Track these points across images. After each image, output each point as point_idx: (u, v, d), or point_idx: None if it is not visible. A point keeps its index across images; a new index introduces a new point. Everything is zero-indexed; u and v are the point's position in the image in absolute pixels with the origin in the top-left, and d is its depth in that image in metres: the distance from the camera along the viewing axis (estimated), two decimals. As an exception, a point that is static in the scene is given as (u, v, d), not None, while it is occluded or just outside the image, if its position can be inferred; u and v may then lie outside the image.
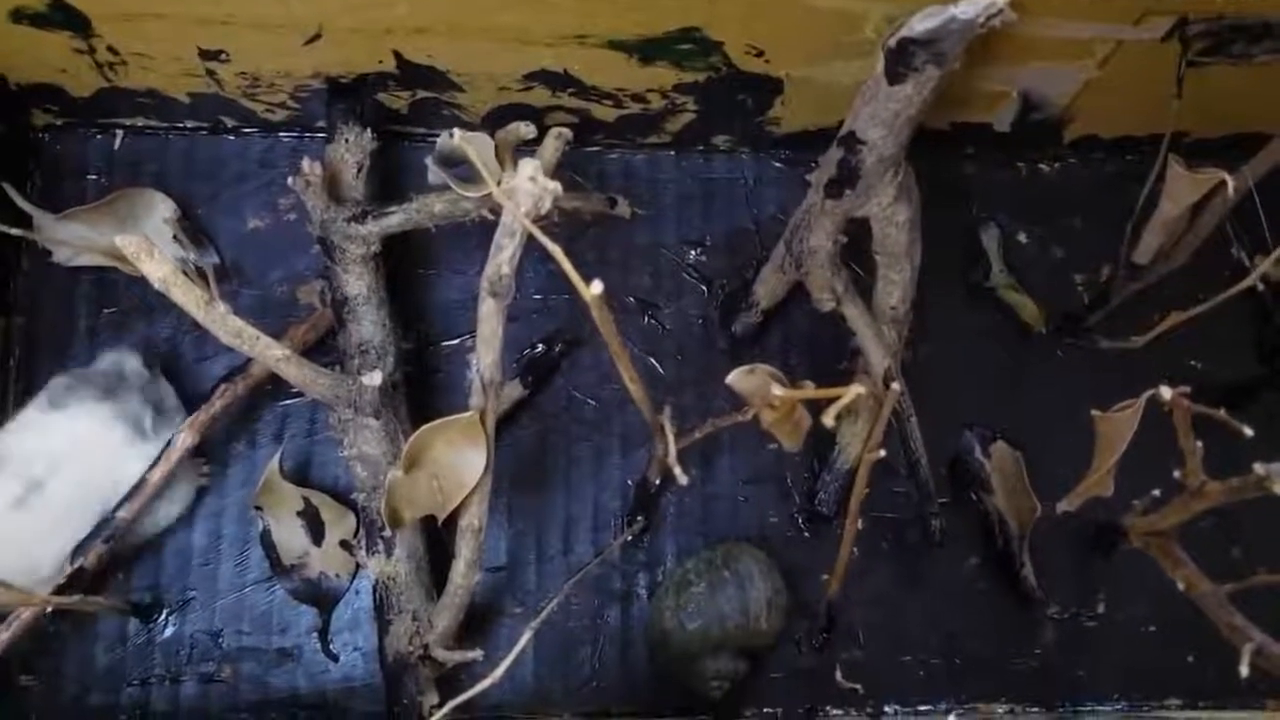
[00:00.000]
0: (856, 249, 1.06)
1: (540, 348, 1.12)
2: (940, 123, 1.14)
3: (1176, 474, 0.89)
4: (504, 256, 0.84)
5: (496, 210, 0.97)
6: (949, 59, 0.86)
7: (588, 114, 1.11)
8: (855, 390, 0.80)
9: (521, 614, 1.08)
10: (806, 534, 1.12)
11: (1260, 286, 0.93)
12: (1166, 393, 0.77)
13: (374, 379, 0.94)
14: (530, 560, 1.10)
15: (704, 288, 1.17)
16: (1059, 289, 1.19)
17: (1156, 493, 0.96)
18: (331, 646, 1.07)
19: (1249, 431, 0.77)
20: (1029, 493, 1.09)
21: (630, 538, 1.09)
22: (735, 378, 0.88)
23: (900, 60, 0.87)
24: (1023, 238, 1.20)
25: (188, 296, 0.84)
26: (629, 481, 1.11)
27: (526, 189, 0.83)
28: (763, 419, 0.90)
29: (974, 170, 1.21)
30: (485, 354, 0.87)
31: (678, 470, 0.83)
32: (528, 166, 0.83)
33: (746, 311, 1.12)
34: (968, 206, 1.20)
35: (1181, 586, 0.91)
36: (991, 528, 1.11)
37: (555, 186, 0.85)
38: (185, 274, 0.87)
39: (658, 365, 1.14)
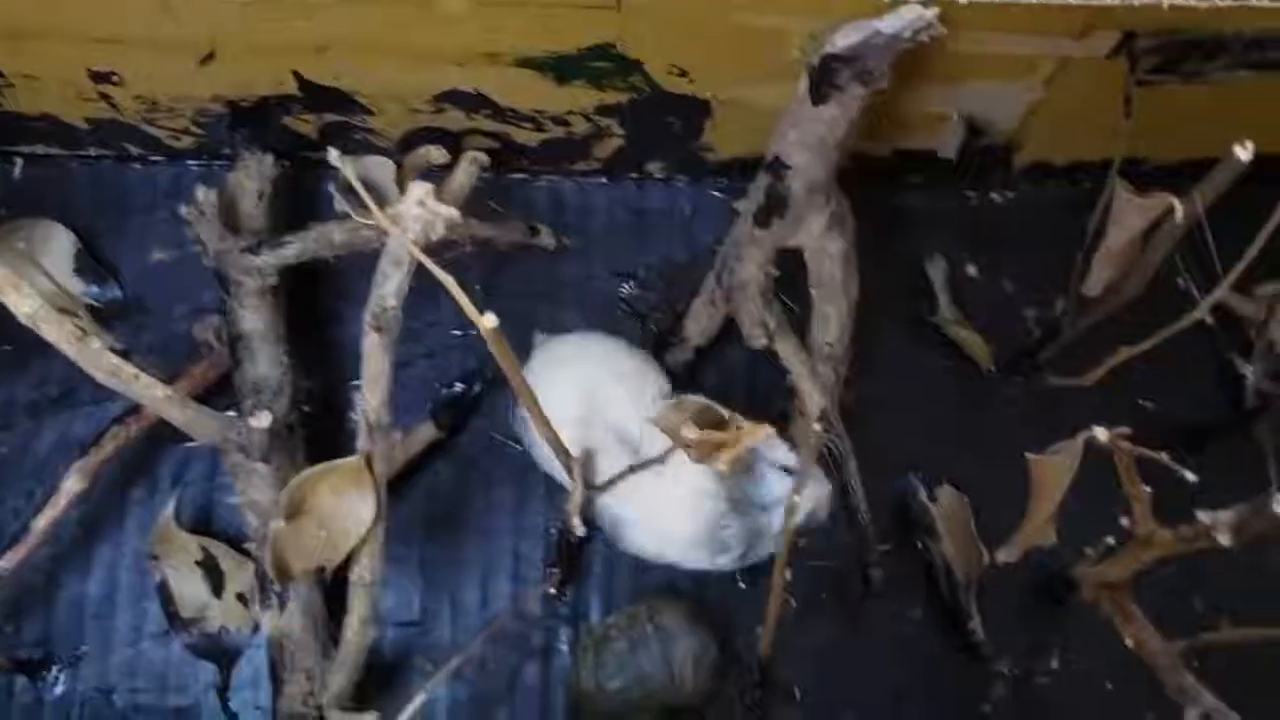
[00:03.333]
0: (792, 283, 1.00)
1: (458, 386, 1.06)
2: (881, 150, 1.08)
3: (1124, 521, 0.83)
4: (389, 288, 0.78)
5: (404, 240, 0.91)
6: (875, 76, 0.81)
7: (508, 138, 1.05)
8: (764, 431, 0.75)
9: (435, 672, 1.01)
10: (744, 585, 1.05)
11: (1209, 319, 0.87)
12: (1102, 434, 0.71)
13: (262, 420, 0.87)
14: (445, 615, 1.03)
15: (637, 323, 1.10)
16: (1010, 324, 1.12)
17: (1110, 540, 0.90)
18: (231, 705, 1.00)
19: (1192, 476, 0.71)
20: (976, 540, 1.02)
21: (554, 590, 1.02)
22: (659, 413, 0.82)
23: (824, 78, 0.81)
24: (972, 271, 1.14)
25: (58, 332, 0.78)
26: (553, 530, 1.04)
27: (415, 214, 0.77)
28: (690, 458, 0.84)
29: (920, 201, 1.14)
30: (372, 394, 0.81)
31: (575, 521, 0.77)
32: (417, 190, 0.78)
33: (678, 348, 1.06)
34: (914, 238, 1.14)
35: (1131, 645, 0.85)
36: (937, 577, 1.04)
37: (449, 212, 0.79)
38: (66, 309, 0.81)
39: (585, 405, 1.08)
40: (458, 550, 1.04)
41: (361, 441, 0.82)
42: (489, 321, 0.69)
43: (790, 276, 0.99)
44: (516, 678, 1.02)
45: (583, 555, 1.03)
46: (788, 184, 0.89)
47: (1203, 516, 0.71)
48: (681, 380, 1.07)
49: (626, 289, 1.11)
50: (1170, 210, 0.84)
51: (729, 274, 0.97)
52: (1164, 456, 0.71)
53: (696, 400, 0.82)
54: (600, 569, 1.04)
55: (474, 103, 0.99)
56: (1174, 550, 0.80)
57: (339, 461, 0.82)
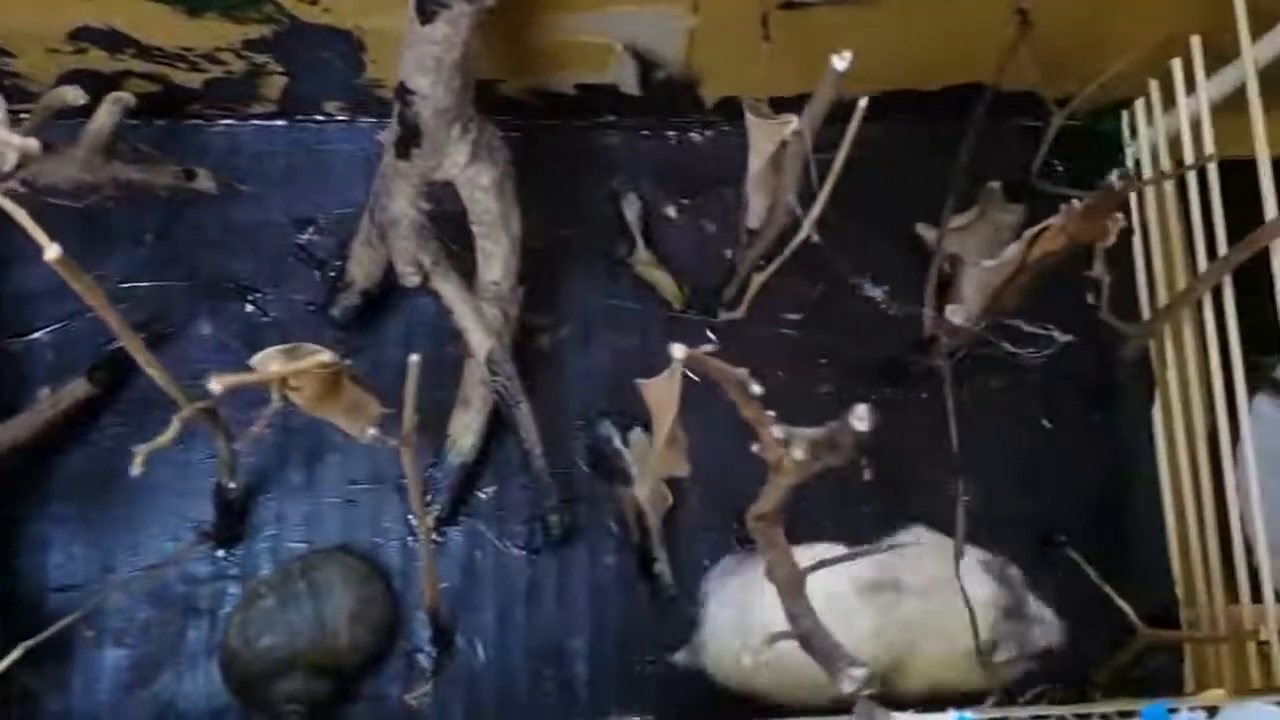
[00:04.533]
0: (460, 227, 0.97)
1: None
2: (563, 85, 1.05)
3: (755, 449, 0.80)
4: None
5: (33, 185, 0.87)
6: (478, -7, 0.78)
7: (167, 80, 1.01)
8: (325, 355, 0.71)
9: (93, 638, 0.96)
10: (439, 540, 1.02)
11: (815, 238, 0.85)
12: (679, 351, 0.69)
13: None
14: (105, 578, 0.98)
15: (316, 271, 1.06)
16: (709, 265, 1.09)
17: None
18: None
19: (758, 389, 0.68)
20: (662, 483, 0.99)
21: (219, 549, 0.98)
22: (262, 356, 0.78)
23: (428, -4, 0.78)
24: (672, 212, 1.11)
25: None
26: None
27: (-22, 143, 0.72)
28: (300, 404, 0.80)
29: (617, 140, 1.12)
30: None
31: (138, 461, 0.74)
32: (-18, 120, 0.73)
33: (344, 292, 1.02)
34: (612, 178, 1.11)
35: (764, 572, 0.82)
36: (627, 521, 1.01)
37: (24, 143, 0.75)
38: None
39: (257, 358, 1.03)
40: (118, 510, 0.99)
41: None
42: (52, 252, 0.65)
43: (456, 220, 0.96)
44: (181, 640, 0.97)
45: (247, 513, 0.99)
46: (415, 110, 0.85)
47: (777, 431, 0.69)
48: (354, 327, 1.03)
49: (306, 235, 1.07)
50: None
51: (381, 210, 0.94)
52: (742, 373, 0.69)
53: (308, 348, 0.79)
54: (273, 527, 1.00)
55: (113, 40, 0.94)
56: (804, 474, 0.78)
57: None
